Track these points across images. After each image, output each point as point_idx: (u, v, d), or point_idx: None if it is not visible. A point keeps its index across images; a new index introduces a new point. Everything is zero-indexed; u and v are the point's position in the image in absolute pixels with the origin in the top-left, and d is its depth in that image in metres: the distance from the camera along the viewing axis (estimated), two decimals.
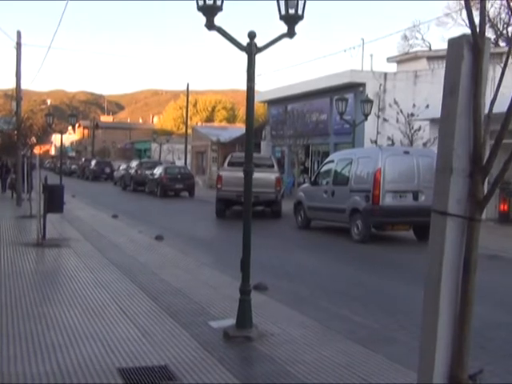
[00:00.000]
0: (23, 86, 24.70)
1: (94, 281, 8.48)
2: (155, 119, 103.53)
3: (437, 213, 2.02)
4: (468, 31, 2.17)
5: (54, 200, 12.42)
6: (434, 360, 1.98)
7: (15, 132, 23.39)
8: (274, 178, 20.52)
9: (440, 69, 30.11)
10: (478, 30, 2.05)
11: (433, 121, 22.69)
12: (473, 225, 1.98)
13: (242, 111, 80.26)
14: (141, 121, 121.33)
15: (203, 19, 5.83)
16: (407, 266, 11.53)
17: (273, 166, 21.08)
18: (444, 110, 2.05)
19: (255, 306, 6.24)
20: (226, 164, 21.44)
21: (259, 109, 43.77)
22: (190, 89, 47.99)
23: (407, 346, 5.93)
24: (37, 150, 25.76)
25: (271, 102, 36.97)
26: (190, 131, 51.31)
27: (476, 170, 1.96)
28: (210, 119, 77.61)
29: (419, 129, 22.51)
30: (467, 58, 2.00)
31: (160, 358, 5.16)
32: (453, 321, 1.99)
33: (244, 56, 6.12)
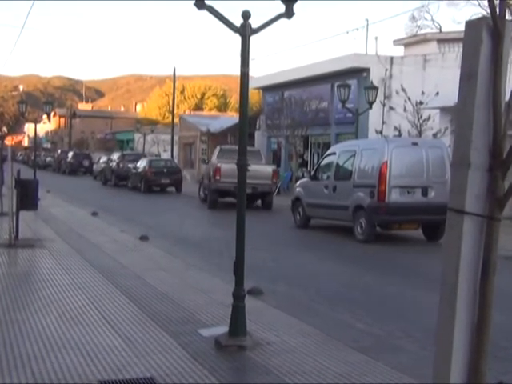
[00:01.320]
0: None
1: (71, 284, 8.47)
2: (138, 107, 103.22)
3: (453, 211, 2.03)
4: (482, 11, 2.17)
5: (27, 196, 12.36)
6: (450, 369, 1.99)
7: None
8: (270, 170, 23.47)
9: (451, 52, 30.21)
10: (497, 11, 2.05)
11: (443, 109, 22.75)
12: (492, 224, 1.99)
13: (234, 99, 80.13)
14: (122, 109, 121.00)
15: None
16: (415, 269, 11.57)
17: (261, 159, 23.58)
18: (460, 99, 2.05)
19: (249, 312, 6.24)
20: (215, 157, 23.75)
21: (253, 96, 43.69)
22: (176, 74, 47.89)
23: (413, 355, 5.96)
24: (8, 141, 25.70)
25: (266, 89, 36.96)
26: (176, 120, 51.21)
27: (495, 164, 1.96)
28: (198, 107, 77.43)
29: (428, 118, 22.55)
30: (486, 42, 2.00)
31: (145, 370, 5.16)
32: (470, 327, 2.00)
33: (237, 38, 6.10)
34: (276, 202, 25.07)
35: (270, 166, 24.30)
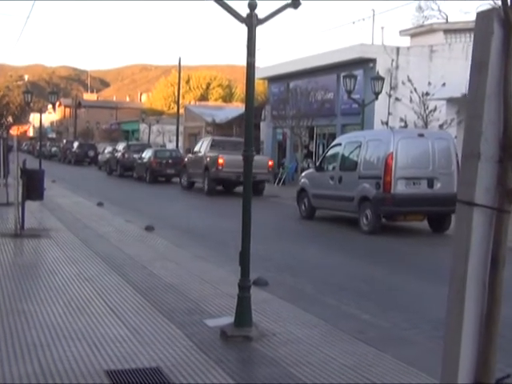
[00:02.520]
0: None
1: (77, 275, 8.50)
2: (144, 97, 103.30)
3: (462, 203, 2.02)
4: (491, 2, 2.15)
5: (33, 186, 12.38)
6: (459, 363, 1.99)
7: None
8: (267, 160, 25.88)
9: (458, 43, 30.09)
10: (508, 2, 2.04)
11: (450, 100, 22.69)
12: (501, 216, 1.98)
13: (239, 89, 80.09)
14: (128, 99, 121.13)
15: None
16: (420, 260, 11.57)
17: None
18: (471, 90, 2.04)
19: (255, 302, 6.26)
20: (207, 148, 25.88)
21: (259, 86, 43.61)
22: (182, 64, 47.79)
23: (420, 347, 5.97)
24: (14, 131, 25.71)
25: (272, 79, 36.87)
26: (182, 111, 51.22)
27: (506, 155, 1.96)
28: (204, 97, 77.43)
29: (435, 109, 22.48)
30: (497, 33, 1.99)
31: (151, 360, 5.18)
32: (479, 321, 2.00)
33: (243, 28, 6.08)
34: (281, 193, 25.19)
35: (264, 156, 27.10)
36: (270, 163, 26.14)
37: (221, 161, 24.27)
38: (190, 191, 27.14)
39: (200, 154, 26.43)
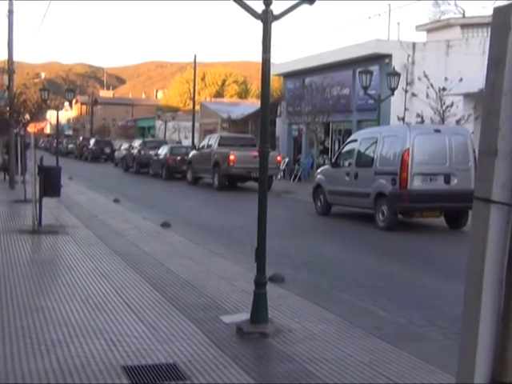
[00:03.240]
0: (15, 58, 24.82)
1: (94, 271, 8.56)
2: (159, 94, 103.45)
3: (479, 200, 2.01)
4: None
5: (50, 183, 12.48)
6: (475, 360, 1.98)
7: (7, 108, 23.49)
8: (275, 155, 25.87)
9: (475, 38, 29.85)
10: None
11: (467, 96, 22.52)
12: None
13: (255, 85, 79.98)
14: (144, 96, 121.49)
15: None
16: (437, 256, 11.52)
17: (255, 145, 25.36)
18: (488, 86, 2.03)
19: (271, 299, 6.27)
20: (215, 144, 26.59)
21: (274, 83, 43.58)
22: (197, 61, 47.88)
23: (436, 344, 5.95)
24: (31, 129, 25.88)
25: (287, 76, 36.82)
26: (197, 107, 51.27)
27: None
28: (219, 94, 77.44)
29: (452, 104, 22.31)
30: None
31: (168, 356, 5.21)
32: (496, 318, 1.99)
33: (258, 24, 6.08)
34: (296, 190, 25.19)
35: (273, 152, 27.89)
36: (279, 158, 27.30)
37: (232, 157, 24.87)
38: (199, 187, 27.32)
39: (207, 151, 27.10)
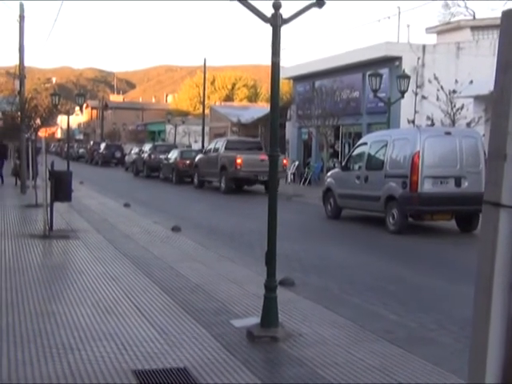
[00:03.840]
0: (27, 63, 24.98)
1: (105, 275, 8.58)
2: (169, 98, 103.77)
3: (489, 204, 2.00)
4: None
5: (61, 188, 12.53)
6: (486, 364, 1.97)
7: (19, 113, 23.65)
8: (281, 158, 25.78)
9: (485, 40, 29.72)
10: None
11: (477, 98, 22.44)
12: None
13: (264, 89, 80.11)
14: (154, 100, 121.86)
15: None
16: (448, 260, 11.47)
17: (261, 149, 26.53)
18: (497, 89, 2.02)
19: (281, 303, 6.26)
20: (222, 148, 26.78)
21: (284, 86, 43.59)
22: (207, 65, 47.94)
23: (448, 348, 5.92)
24: (42, 133, 26.05)
25: (297, 79, 36.82)
26: (207, 111, 51.39)
27: None
28: (229, 98, 77.59)
29: (462, 107, 22.26)
30: None
31: (178, 360, 5.21)
32: (506, 322, 1.98)
33: (268, 28, 6.09)
34: (307, 193, 25.17)
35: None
36: (285, 161, 27.73)
37: (239, 161, 25.23)
38: (206, 190, 27.43)
39: (214, 154, 27.34)
